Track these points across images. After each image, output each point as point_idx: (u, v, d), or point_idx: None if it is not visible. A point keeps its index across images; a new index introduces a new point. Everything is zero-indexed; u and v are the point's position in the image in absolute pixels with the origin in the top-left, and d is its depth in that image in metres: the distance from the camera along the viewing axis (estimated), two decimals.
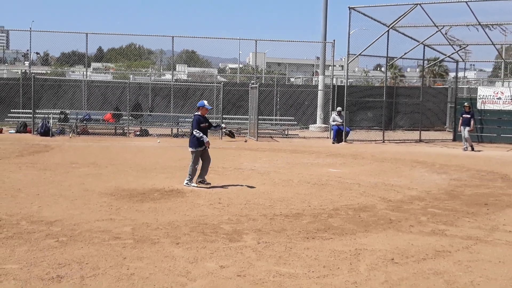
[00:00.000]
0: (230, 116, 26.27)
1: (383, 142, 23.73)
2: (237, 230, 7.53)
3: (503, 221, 8.47)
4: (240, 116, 26.30)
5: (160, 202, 9.33)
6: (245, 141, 22.33)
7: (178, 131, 24.21)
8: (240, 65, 53.57)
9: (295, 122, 27.38)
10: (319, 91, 28.70)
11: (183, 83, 30.81)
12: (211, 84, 27.77)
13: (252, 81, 29.91)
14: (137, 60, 64.24)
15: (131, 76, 38.04)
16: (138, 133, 23.55)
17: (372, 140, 23.99)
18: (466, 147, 20.56)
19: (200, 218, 8.20)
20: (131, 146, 19.13)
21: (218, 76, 46.81)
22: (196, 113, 10.94)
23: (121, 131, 24.00)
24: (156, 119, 25.29)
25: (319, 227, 7.79)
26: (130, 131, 23.79)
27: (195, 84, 30.22)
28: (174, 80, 30.23)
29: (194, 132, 10.68)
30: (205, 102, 11.06)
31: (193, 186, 10.83)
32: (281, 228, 7.68)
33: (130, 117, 24.11)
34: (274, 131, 26.25)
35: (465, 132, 20.61)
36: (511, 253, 6.69)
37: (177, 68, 48.33)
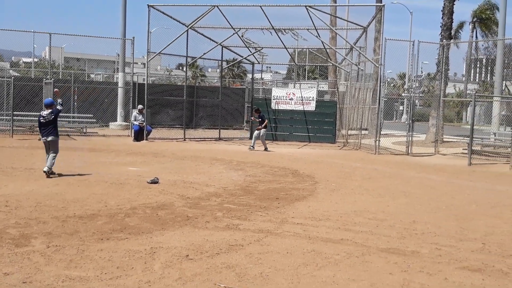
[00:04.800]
0: (24, 113, 24.48)
1: (184, 140, 24.03)
2: (24, 234, 7.03)
3: (292, 214, 9.05)
4: (34, 113, 24.61)
5: None
6: (39, 140, 20.96)
7: None
8: (36, 60, 50.30)
9: (95, 120, 26.47)
10: (119, 89, 28.12)
11: None
12: (0, 79, 25.59)
13: (47, 77, 28.27)
14: None
15: None
16: None
17: (174, 138, 24.15)
18: (252, 147, 20.99)
19: None
20: None
21: (11, 71, 43.46)
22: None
23: None
24: None
25: (115, 227, 7.60)
26: None
27: None
28: None
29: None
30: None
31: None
32: (74, 230, 7.34)
33: None
34: (72, 129, 25.12)
35: (257, 133, 21.22)
36: (298, 244, 7.15)
37: None
